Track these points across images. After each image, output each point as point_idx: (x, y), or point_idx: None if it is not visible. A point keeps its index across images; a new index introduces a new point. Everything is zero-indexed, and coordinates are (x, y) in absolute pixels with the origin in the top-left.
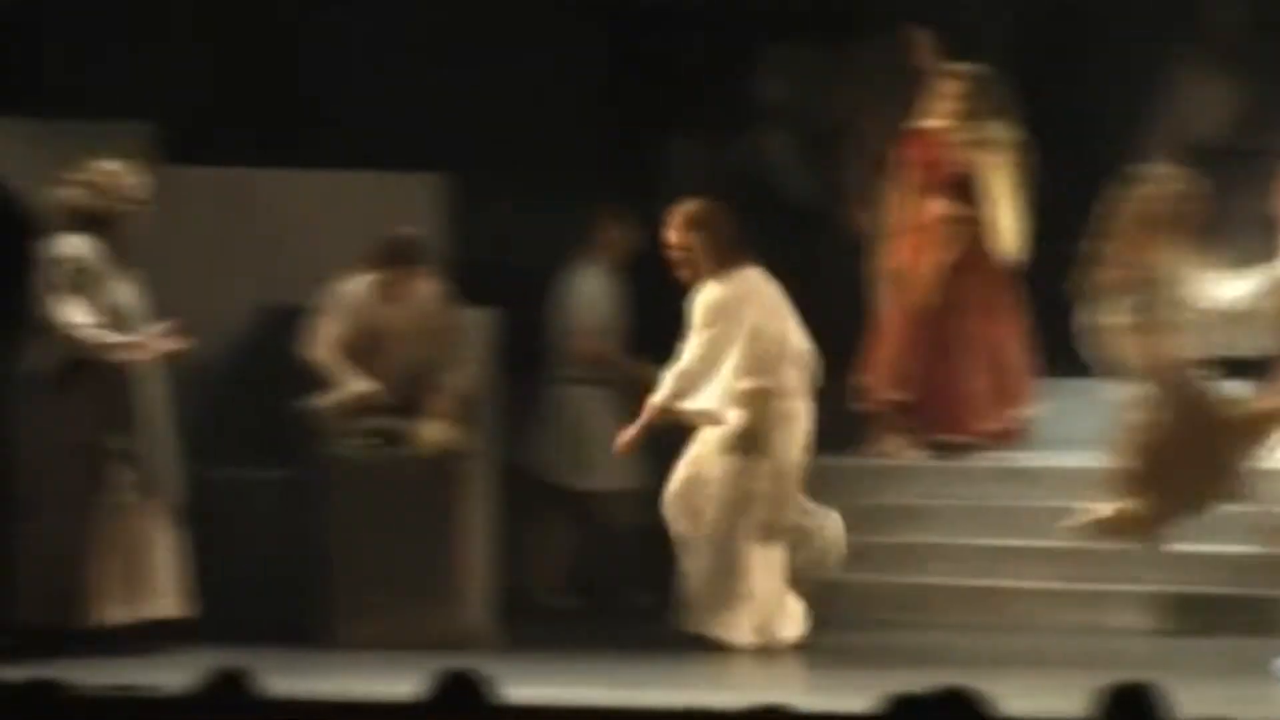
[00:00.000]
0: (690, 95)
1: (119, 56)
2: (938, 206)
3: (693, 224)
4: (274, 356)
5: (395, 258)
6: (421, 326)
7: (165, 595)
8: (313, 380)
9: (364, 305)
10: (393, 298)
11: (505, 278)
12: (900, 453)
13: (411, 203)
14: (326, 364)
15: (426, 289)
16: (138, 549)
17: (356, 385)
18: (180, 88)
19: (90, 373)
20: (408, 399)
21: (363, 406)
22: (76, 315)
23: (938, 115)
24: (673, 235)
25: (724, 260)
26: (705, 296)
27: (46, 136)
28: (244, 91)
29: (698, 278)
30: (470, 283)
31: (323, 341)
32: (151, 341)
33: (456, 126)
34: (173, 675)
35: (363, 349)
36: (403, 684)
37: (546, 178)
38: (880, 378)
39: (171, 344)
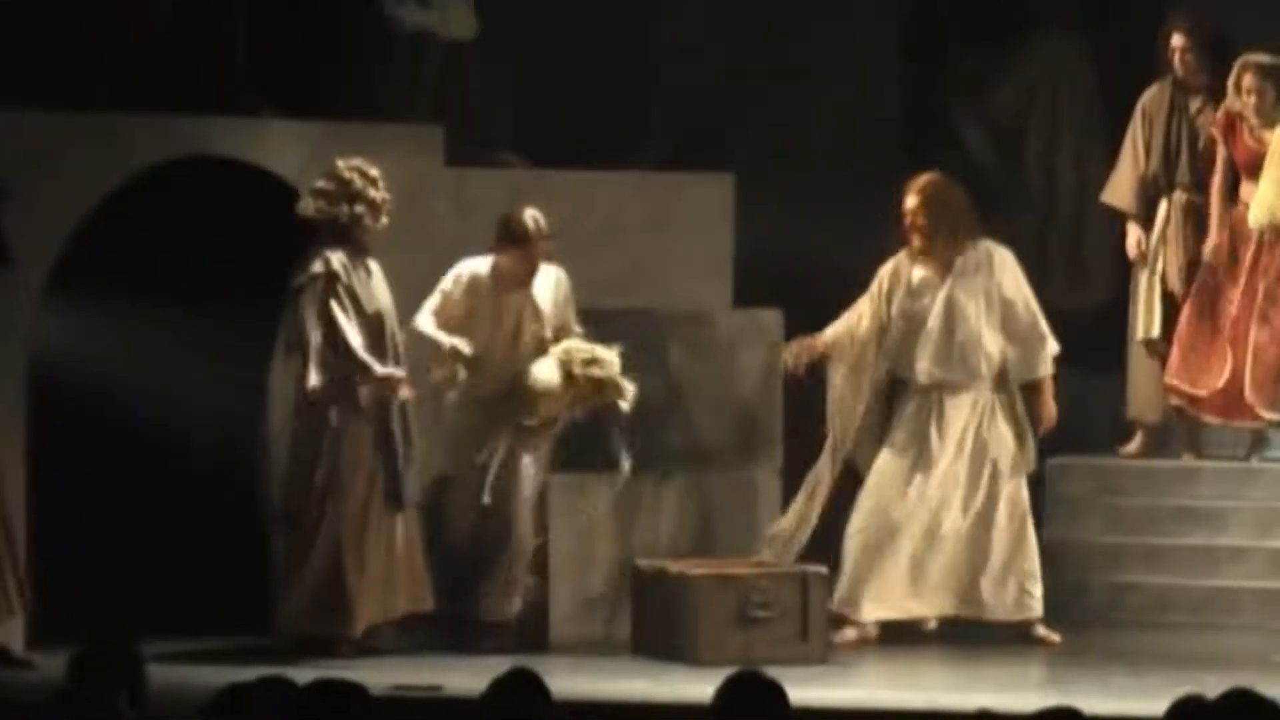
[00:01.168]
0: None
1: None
2: (1247, 192)
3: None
4: None
5: (503, 238)
6: (535, 306)
7: (410, 591)
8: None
9: (480, 288)
10: (508, 280)
11: (792, 278)
12: (1191, 453)
13: (703, 203)
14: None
15: (543, 270)
16: (391, 553)
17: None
18: (478, 88)
19: (351, 387)
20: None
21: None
22: (360, 350)
23: (1239, 103)
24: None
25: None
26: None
27: (333, 139)
28: (547, 90)
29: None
30: (758, 283)
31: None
32: (400, 382)
33: (747, 125)
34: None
35: (483, 332)
36: None
37: (832, 178)
38: (1176, 373)
39: (406, 390)
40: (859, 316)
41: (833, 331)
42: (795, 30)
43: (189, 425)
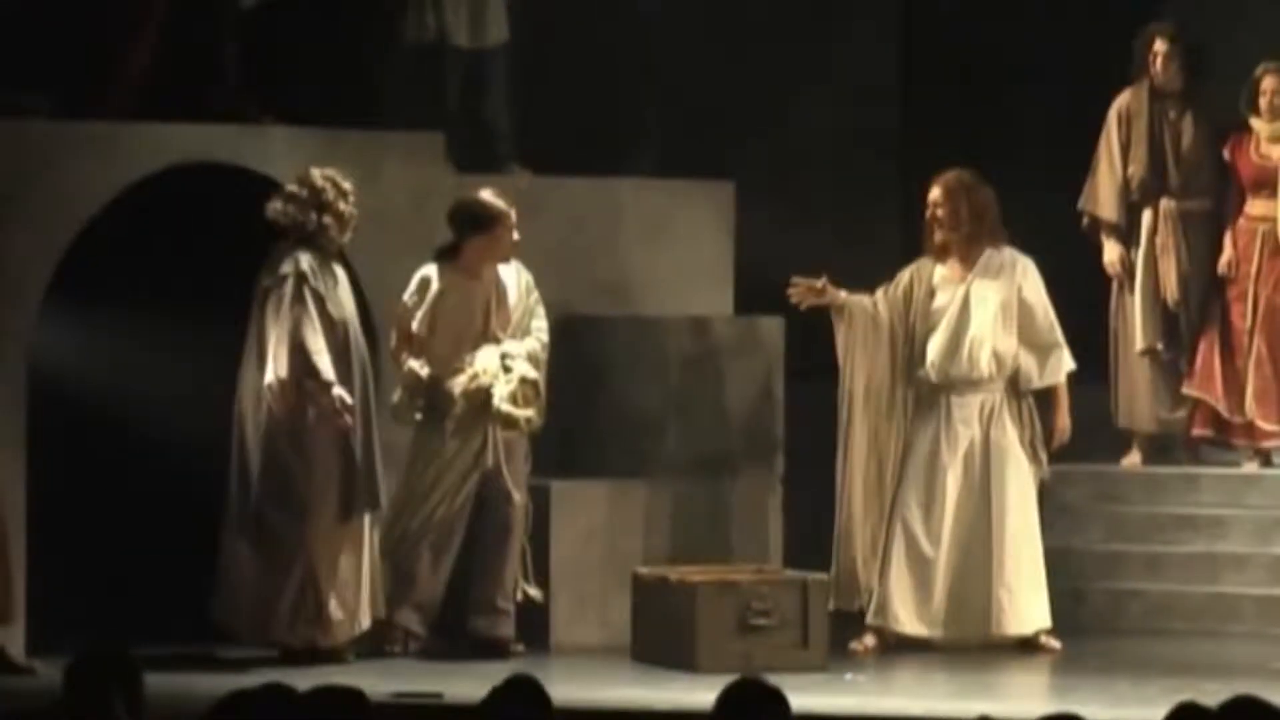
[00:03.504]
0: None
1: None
2: (1252, 207)
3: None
4: (565, 365)
5: (470, 226)
6: (501, 293)
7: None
8: (599, 389)
9: (432, 290)
10: (480, 267)
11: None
12: (1191, 460)
13: (703, 210)
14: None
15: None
16: (362, 558)
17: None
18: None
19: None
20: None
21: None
22: (322, 357)
23: (1250, 112)
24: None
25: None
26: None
27: (335, 146)
28: (546, 97)
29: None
30: (758, 291)
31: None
32: (346, 408)
33: (747, 133)
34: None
35: (453, 330)
36: None
37: (832, 185)
38: (1197, 382)
39: (347, 418)
40: (874, 301)
41: (848, 296)
42: (795, 37)
43: (189, 431)
